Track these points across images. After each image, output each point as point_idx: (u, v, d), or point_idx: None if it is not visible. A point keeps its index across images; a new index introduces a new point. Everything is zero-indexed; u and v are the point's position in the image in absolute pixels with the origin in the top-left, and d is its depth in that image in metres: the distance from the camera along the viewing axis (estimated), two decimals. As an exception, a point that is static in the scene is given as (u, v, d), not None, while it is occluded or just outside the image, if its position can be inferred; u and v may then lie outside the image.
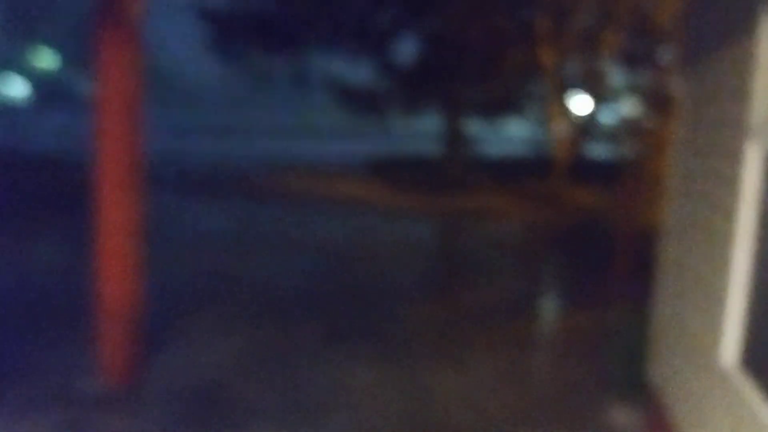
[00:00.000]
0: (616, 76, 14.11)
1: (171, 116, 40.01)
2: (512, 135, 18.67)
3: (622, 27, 12.71)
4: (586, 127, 15.73)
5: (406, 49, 15.98)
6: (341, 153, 22.36)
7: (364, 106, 15.90)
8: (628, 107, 12.86)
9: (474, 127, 16.86)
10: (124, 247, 3.92)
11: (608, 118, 15.60)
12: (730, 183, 2.55)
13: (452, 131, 16.12)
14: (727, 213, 2.56)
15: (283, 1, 14.71)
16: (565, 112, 15.34)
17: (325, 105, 18.36)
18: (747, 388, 2.27)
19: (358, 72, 16.68)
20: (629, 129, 11.84)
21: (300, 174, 15.82)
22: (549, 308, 6.15)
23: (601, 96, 14.73)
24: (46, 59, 53.20)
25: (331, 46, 15.63)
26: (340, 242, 8.47)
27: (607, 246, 7.48)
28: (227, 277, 6.42)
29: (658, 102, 9.79)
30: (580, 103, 15.15)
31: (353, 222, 10.02)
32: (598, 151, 16.96)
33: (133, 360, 4.00)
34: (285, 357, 4.43)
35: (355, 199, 12.41)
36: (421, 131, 17.22)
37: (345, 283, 6.54)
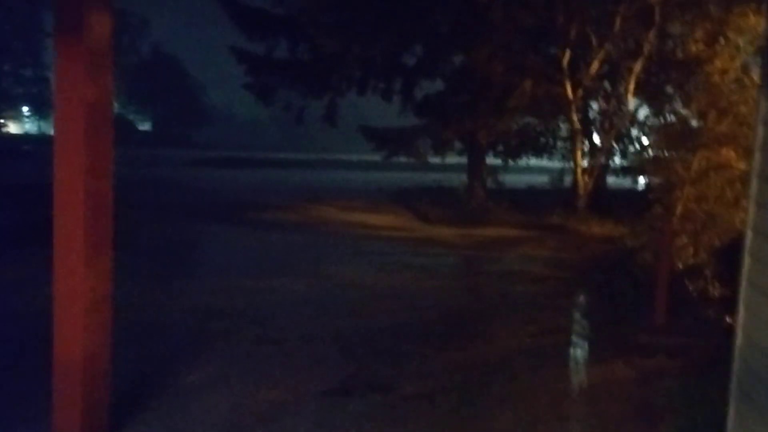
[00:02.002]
0: (638, 108, 13.14)
1: (216, 150, 39.99)
2: (535, 165, 17.66)
3: (646, 59, 11.75)
4: (608, 158, 14.70)
5: (431, 86, 15.25)
6: (370, 184, 21.62)
7: (391, 141, 15.12)
8: (650, 139, 11.85)
9: (497, 158, 15.96)
10: (85, 298, 3.04)
11: (630, 150, 14.57)
12: None
13: (475, 163, 15.23)
14: None
15: (314, 46, 14.11)
16: (588, 144, 14.36)
17: (356, 140, 17.65)
18: None
19: (387, 109, 16.00)
20: (652, 162, 10.80)
21: (329, 204, 14.97)
22: (585, 356, 5.09)
23: (623, 128, 13.73)
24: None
25: (361, 87, 15.01)
26: (359, 274, 7.52)
27: (640, 284, 6.45)
28: (234, 314, 5.48)
29: (683, 134, 8.79)
30: (603, 135, 14.13)
31: (376, 252, 9.09)
32: (619, 182, 15.90)
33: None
34: (282, 419, 3.49)
35: (380, 228, 11.50)
36: (448, 162, 16.31)
37: (362, 320, 5.58)
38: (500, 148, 15.66)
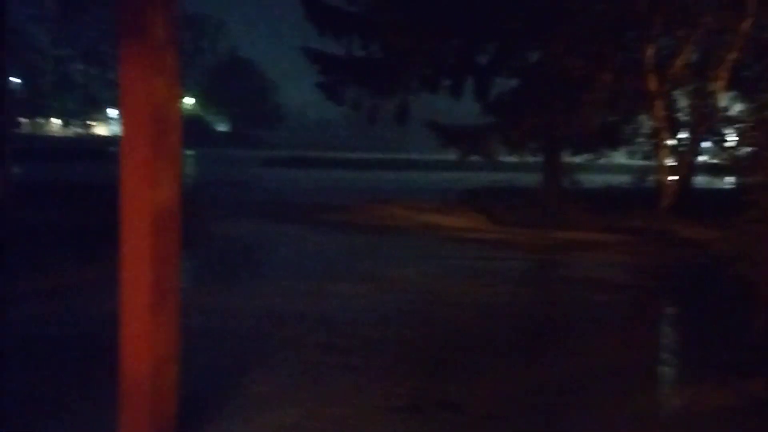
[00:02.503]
0: (731, 102, 12.27)
1: (288, 150, 40.70)
2: (615, 164, 16.83)
3: (739, 50, 10.94)
4: (696, 156, 13.84)
5: (505, 84, 14.79)
6: (441, 184, 21.32)
7: (462, 140, 14.76)
8: (745, 136, 11.01)
9: (574, 156, 15.28)
10: (151, 306, 2.97)
11: (720, 147, 13.64)
12: None
13: (550, 161, 14.63)
14: None
15: (386, 45, 13.94)
16: (673, 141, 13.55)
17: (429, 139, 17.41)
18: None
19: (461, 109, 15.66)
20: (747, 160, 10.02)
21: (399, 204, 14.79)
22: (676, 376, 4.67)
23: (713, 124, 12.87)
24: (186, 102, 56.19)
25: (433, 85, 14.73)
26: (428, 279, 7.28)
27: (735, 296, 5.91)
28: (300, 319, 5.36)
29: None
30: (690, 132, 13.31)
31: (445, 255, 8.84)
32: (707, 182, 14.98)
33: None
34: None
35: (450, 230, 11.22)
36: (522, 161, 15.75)
37: (431, 329, 5.36)
38: (577, 145, 14.99)
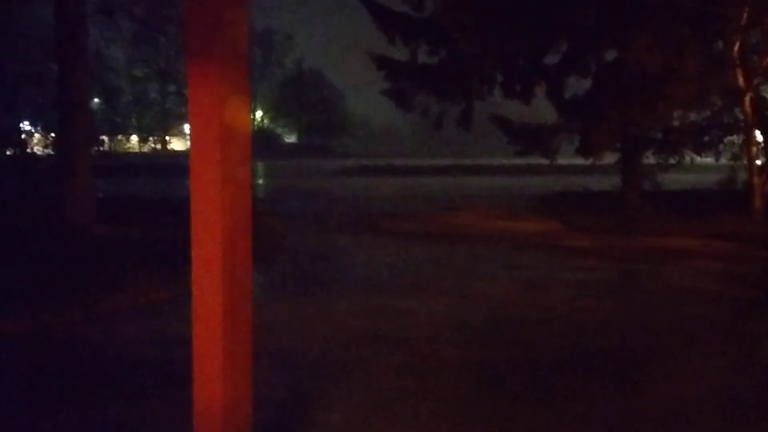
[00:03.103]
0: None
1: (355, 159, 40.85)
2: (699, 164, 15.80)
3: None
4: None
5: (578, 85, 14.17)
6: (511, 189, 20.77)
7: (527, 138, 14.22)
8: None
9: (655, 158, 14.43)
10: (224, 341, 2.80)
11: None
12: None
13: (629, 163, 13.88)
14: None
15: (455, 49, 13.63)
16: (764, 139, 12.64)
17: (496, 143, 16.95)
18: None
19: (529, 110, 15.14)
20: None
21: (469, 211, 14.43)
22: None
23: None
24: (256, 116, 57.65)
25: (506, 89, 14.30)
26: (510, 291, 6.93)
27: None
28: (374, 338, 5.11)
29: None
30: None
31: (522, 265, 8.44)
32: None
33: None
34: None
35: (525, 237, 10.77)
36: (594, 163, 15.03)
37: (513, 348, 5.01)
38: (659, 147, 14.17)
